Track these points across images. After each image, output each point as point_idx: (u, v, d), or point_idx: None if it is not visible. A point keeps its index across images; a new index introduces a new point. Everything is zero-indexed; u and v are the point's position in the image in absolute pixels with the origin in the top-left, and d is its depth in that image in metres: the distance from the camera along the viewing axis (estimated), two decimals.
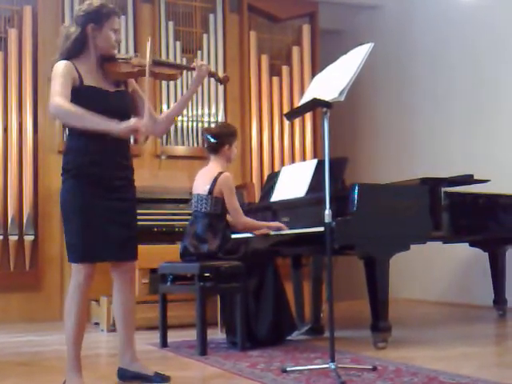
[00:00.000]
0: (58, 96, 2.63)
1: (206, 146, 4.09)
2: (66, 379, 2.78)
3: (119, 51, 3.15)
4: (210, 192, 3.90)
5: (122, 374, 2.93)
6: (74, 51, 2.77)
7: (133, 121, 2.67)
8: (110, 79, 2.85)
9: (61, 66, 2.73)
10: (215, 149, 4.00)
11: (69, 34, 2.78)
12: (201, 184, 3.99)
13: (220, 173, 3.93)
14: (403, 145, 6.92)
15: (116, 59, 2.86)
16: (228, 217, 4.03)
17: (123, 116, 2.76)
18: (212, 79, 3.09)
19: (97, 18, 2.78)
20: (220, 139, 3.99)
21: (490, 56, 5.91)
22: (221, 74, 3.10)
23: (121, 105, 2.84)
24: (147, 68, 2.78)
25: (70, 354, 2.77)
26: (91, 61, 2.81)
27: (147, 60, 2.81)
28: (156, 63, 2.91)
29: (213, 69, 3.03)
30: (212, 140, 3.99)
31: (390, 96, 7.18)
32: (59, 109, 2.63)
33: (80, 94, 2.71)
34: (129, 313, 2.93)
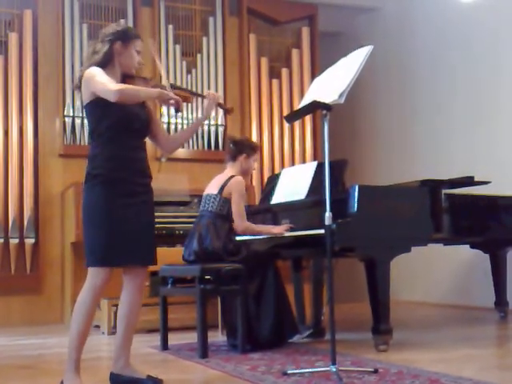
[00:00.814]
0: (110, 83, 2.76)
1: (226, 151, 4.24)
2: (64, 379, 2.78)
3: None
4: (220, 192, 3.97)
5: (115, 379, 2.93)
6: (102, 64, 2.89)
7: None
8: None
9: (96, 68, 2.85)
10: (233, 155, 4.11)
11: (97, 50, 2.92)
12: (212, 186, 4.08)
13: (232, 176, 4.00)
14: (404, 147, 6.92)
15: (135, 78, 2.99)
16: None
17: (147, 127, 2.98)
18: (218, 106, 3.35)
19: (124, 36, 2.94)
20: (238, 147, 4.11)
21: (490, 57, 5.92)
22: (227, 105, 3.33)
23: (144, 116, 2.97)
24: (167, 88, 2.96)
25: (71, 356, 2.79)
26: (115, 76, 2.91)
27: (164, 83, 3.00)
28: (173, 87, 3.05)
29: (221, 100, 3.25)
30: (231, 145, 4.13)
31: (390, 98, 7.18)
32: (121, 92, 2.73)
33: (110, 104, 2.77)
34: (133, 317, 2.95)
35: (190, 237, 4.02)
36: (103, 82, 2.76)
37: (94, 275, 2.80)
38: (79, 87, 2.91)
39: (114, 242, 2.78)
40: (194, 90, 3.35)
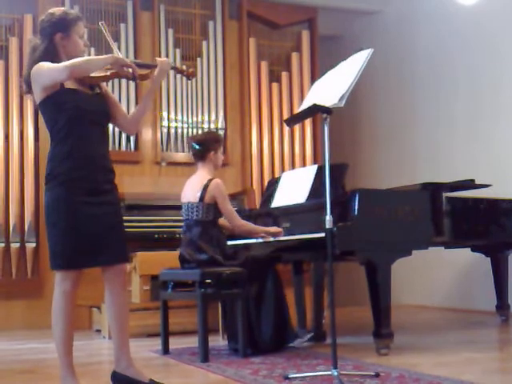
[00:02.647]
0: (59, 64, 2.65)
1: (192, 153, 4.11)
2: None
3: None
4: (201, 199, 3.89)
5: (117, 377, 2.89)
6: (46, 60, 2.75)
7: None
8: (85, 83, 2.84)
9: (43, 62, 2.71)
10: (201, 156, 4.02)
11: (36, 46, 2.79)
12: (190, 192, 3.98)
13: (210, 179, 3.93)
14: (404, 150, 6.93)
15: None
16: (223, 221, 4.04)
17: (105, 117, 2.87)
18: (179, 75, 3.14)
19: (63, 26, 2.80)
20: (205, 146, 4.00)
21: (490, 60, 5.92)
22: (186, 68, 3.18)
23: (102, 106, 2.87)
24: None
25: (62, 362, 2.75)
26: None
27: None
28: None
29: (177, 64, 3.08)
30: (197, 147, 4.01)
31: (390, 101, 7.18)
32: (71, 67, 2.62)
33: (64, 98, 2.72)
34: (122, 317, 2.87)
35: (181, 244, 3.98)
36: (50, 67, 2.65)
37: (61, 279, 2.73)
38: (28, 91, 2.79)
39: (77, 243, 2.69)
40: (147, 62, 3.15)
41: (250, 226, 4.03)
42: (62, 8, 2.95)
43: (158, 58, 3.06)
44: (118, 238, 2.82)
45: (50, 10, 2.87)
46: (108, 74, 2.84)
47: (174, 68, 3.19)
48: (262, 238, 4.04)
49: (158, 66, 2.97)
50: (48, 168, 2.78)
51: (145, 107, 3.03)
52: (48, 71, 2.66)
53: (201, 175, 4.00)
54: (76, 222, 2.70)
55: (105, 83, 3.00)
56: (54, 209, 2.73)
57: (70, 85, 2.77)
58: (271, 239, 4.01)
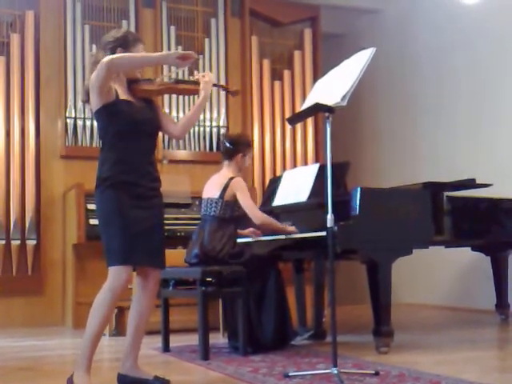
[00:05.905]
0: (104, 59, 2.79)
1: (221, 150, 4.19)
2: (74, 377, 2.77)
3: None
4: (221, 196, 3.94)
5: (122, 379, 2.95)
6: None
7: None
8: (137, 98, 2.98)
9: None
10: (229, 155, 4.07)
11: (98, 60, 2.89)
12: (211, 188, 4.04)
13: (231, 178, 3.98)
14: (406, 149, 6.92)
15: (140, 80, 3.03)
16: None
17: (154, 127, 3.01)
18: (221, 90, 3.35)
19: (124, 43, 2.96)
20: (236, 146, 4.07)
21: (493, 59, 5.92)
22: (231, 86, 3.35)
23: (153, 117, 3.01)
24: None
25: (84, 353, 2.79)
26: (121, 83, 2.95)
27: (166, 79, 3.10)
28: (178, 82, 3.14)
29: (217, 80, 3.28)
30: (228, 145, 4.08)
31: (393, 100, 7.18)
32: (110, 62, 2.75)
33: (118, 108, 2.86)
34: (142, 320, 2.97)
35: (192, 241, 4.02)
36: (97, 69, 2.79)
37: (114, 275, 2.81)
38: (87, 100, 2.94)
39: (129, 241, 2.81)
40: (189, 79, 3.41)
41: (270, 218, 4.00)
42: (128, 30, 3.20)
43: (198, 74, 3.17)
44: (159, 242, 2.98)
45: (115, 30, 3.09)
46: (160, 88, 3.04)
47: (218, 86, 3.37)
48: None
49: (202, 82, 3.10)
50: (98, 173, 2.91)
51: (194, 116, 3.15)
52: (95, 73, 2.80)
53: (224, 173, 4.05)
54: (126, 221, 2.82)
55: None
56: (106, 209, 2.86)
57: (124, 96, 2.92)
58: (283, 237, 4.00)
